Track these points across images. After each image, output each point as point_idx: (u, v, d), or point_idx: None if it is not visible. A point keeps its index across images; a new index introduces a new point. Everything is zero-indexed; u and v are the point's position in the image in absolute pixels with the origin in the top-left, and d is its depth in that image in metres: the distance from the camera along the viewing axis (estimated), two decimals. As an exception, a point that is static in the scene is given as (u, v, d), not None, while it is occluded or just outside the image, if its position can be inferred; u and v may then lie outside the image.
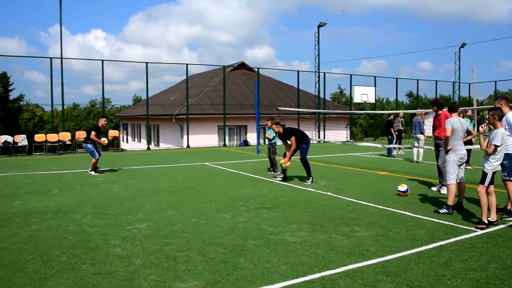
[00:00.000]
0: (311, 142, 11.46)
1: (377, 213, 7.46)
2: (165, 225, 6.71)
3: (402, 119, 18.36)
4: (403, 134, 19.02)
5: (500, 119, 6.63)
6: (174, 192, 9.71)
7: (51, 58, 21.32)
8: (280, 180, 11.27)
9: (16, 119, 46.95)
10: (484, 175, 6.60)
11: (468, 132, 8.17)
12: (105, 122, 13.46)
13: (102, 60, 22.41)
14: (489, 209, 6.59)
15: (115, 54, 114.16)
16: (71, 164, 16.23)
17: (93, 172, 12.92)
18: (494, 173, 6.61)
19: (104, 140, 13.38)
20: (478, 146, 7.49)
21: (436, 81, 36.96)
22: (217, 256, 5.21)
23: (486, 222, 6.44)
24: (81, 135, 22.39)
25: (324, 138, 30.05)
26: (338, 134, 30.74)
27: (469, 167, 13.51)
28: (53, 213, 7.61)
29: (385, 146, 15.73)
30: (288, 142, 11.04)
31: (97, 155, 13.01)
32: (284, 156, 11.27)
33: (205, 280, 4.45)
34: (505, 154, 6.99)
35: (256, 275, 4.58)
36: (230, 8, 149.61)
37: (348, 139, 33.07)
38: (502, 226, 6.58)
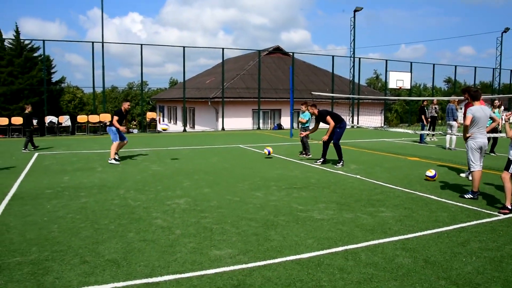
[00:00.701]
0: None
1: (403, 196, 7.76)
2: (201, 201, 7.23)
3: (436, 106, 18.29)
4: (438, 121, 18.96)
5: None
6: (210, 171, 10.25)
7: (92, 43, 22.21)
8: (320, 164, 11.56)
9: (58, 100, 48.71)
10: (509, 162, 6.79)
11: (492, 119, 8.25)
12: (129, 107, 12.40)
13: (141, 45, 23.15)
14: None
15: (151, 37, 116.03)
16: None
17: (113, 161, 11.62)
18: None
19: (123, 128, 11.99)
20: (504, 134, 7.64)
21: (475, 67, 36.24)
22: (249, 229, 5.69)
23: (510, 207, 6.65)
24: (121, 116, 23.29)
25: (358, 123, 30.06)
26: (372, 120, 30.65)
27: (493, 155, 13.56)
28: (99, 188, 8.27)
29: (416, 132, 15.79)
30: (322, 124, 11.46)
31: (117, 139, 11.76)
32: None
33: (238, 249, 4.94)
34: None
35: (284, 246, 5.03)
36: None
37: (382, 125, 32.92)
38: (525, 211, 6.78)
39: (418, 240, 5.33)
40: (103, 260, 4.58)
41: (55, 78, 51.01)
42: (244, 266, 4.43)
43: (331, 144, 11.45)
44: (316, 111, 11.63)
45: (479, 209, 6.90)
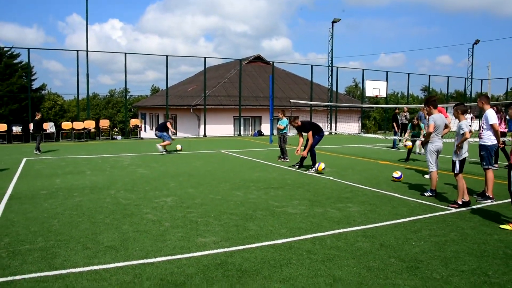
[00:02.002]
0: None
1: (370, 194, 8.60)
2: (187, 199, 7.95)
3: (406, 114, 19.31)
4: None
5: (463, 113, 7.68)
6: (193, 174, 10.95)
7: (77, 51, 22.72)
8: (297, 168, 12.16)
9: (38, 108, 48.72)
10: (454, 163, 7.67)
11: (446, 126, 9.03)
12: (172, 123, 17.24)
13: (125, 53, 23.74)
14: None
15: (132, 44, 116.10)
16: (97, 149, 17.61)
17: (164, 152, 16.05)
18: (463, 161, 7.63)
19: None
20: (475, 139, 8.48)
21: (448, 76, 37.64)
22: (230, 221, 6.43)
23: (460, 203, 7.53)
24: (105, 123, 23.81)
25: (336, 130, 31.08)
26: (350, 127, 31.70)
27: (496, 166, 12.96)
28: (90, 189, 8.91)
29: (387, 137, 16.75)
30: (304, 134, 12.07)
31: (170, 139, 16.24)
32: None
33: (221, 236, 5.67)
34: (482, 145, 8.10)
35: (261, 234, 5.79)
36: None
37: (359, 132, 34.02)
38: (475, 206, 7.66)
39: (378, 229, 6.15)
40: (102, 246, 5.27)
41: (35, 85, 51.11)
42: (226, 249, 5.17)
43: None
44: (299, 123, 12.02)
45: (435, 204, 7.76)
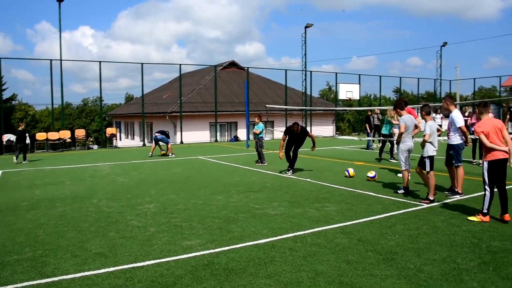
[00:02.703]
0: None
1: (346, 194, 8.94)
2: (169, 205, 8.12)
3: (378, 115, 19.84)
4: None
5: (427, 114, 8.10)
6: (174, 180, 11.12)
7: (51, 60, 22.54)
8: (290, 174, 12.05)
9: (9, 118, 47.85)
10: (422, 159, 8.08)
11: (416, 126, 9.44)
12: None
13: (100, 62, 23.65)
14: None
15: (103, 51, 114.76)
16: (75, 160, 17.54)
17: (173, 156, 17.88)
18: (431, 158, 8.03)
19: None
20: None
21: (419, 78, 38.65)
22: (213, 224, 6.65)
23: (431, 198, 7.94)
24: (80, 133, 23.67)
25: (311, 133, 31.49)
26: (325, 129, 32.22)
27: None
28: (72, 199, 8.98)
29: (361, 139, 17.21)
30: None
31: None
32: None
33: (206, 239, 5.89)
34: (449, 145, 8.54)
35: (244, 235, 6.03)
36: (219, 4, 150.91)
37: (334, 134, 34.60)
38: (445, 201, 8.07)
39: (355, 226, 6.46)
40: (91, 253, 5.42)
41: (5, 95, 50.17)
42: (212, 251, 5.40)
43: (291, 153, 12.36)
44: (299, 128, 12.25)
45: (408, 201, 8.15)
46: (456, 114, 8.56)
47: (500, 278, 4.42)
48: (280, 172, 12.31)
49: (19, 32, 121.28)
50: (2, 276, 4.72)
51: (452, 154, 8.57)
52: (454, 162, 8.60)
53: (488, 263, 4.83)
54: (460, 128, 8.39)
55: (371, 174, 10.63)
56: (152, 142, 18.94)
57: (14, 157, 16.79)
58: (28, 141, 17.67)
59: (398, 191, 8.91)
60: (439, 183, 9.51)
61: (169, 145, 18.18)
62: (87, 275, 4.69)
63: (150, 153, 18.08)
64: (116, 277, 4.61)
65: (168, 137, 18.28)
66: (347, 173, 11.14)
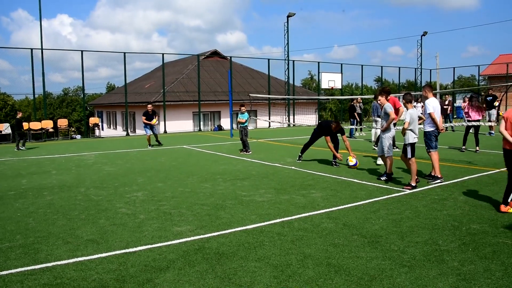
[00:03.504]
0: (283, 125, 12.90)
1: (331, 181, 9.15)
2: (157, 193, 8.21)
3: (360, 104, 20.13)
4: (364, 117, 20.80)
5: (408, 102, 8.33)
6: (160, 169, 11.19)
7: (31, 49, 22.18)
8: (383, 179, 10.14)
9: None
10: (405, 147, 8.32)
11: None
12: (151, 107, 17.48)
13: (82, 51, 23.37)
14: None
15: (82, 40, 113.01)
16: (58, 149, 17.41)
17: (149, 147, 17.12)
18: (413, 145, 8.27)
19: (154, 121, 17.43)
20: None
21: (399, 67, 39.07)
22: (202, 211, 6.78)
23: (413, 184, 8.18)
24: (63, 122, 23.45)
25: (294, 122, 31.78)
26: (307, 118, 32.46)
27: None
28: (59, 188, 9.00)
29: (345, 127, 17.44)
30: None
31: (148, 132, 17.38)
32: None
33: (195, 225, 6.02)
34: (423, 132, 8.84)
35: (233, 221, 6.17)
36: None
37: (316, 123, 34.85)
38: (426, 187, 8.33)
39: (340, 211, 6.66)
40: (83, 240, 5.50)
41: (-17, 85, 49.12)
42: (202, 236, 5.53)
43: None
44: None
45: (390, 187, 8.39)
46: (429, 101, 8.87)
47: (479, 258, 4.65)
48: (298, 159, 12.33)
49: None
50: (-5, 263, 4.78)
51: (425, 140, 8.94)
52: (426, 148, 8.95)
53: (467, 244, 5.07)
54: (429, 114, 8.72)
55: (352, 162, 10.83)
56: (131, 131, 18.53)
57: (17, 145, 17.61)
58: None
59: (381, 178, 9.14)
60: (421, 169, 9.79)
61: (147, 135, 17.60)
62: (81, 260, 4.78)
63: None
64: (109, 262, 4.72)
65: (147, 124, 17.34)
66: (350, 164, 10.87)
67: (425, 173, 9.54)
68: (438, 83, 45.75)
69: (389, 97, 10.99)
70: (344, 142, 11.26)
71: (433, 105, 8.80)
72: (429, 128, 8.86)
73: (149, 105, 17.68)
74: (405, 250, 4.88)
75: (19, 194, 8.47)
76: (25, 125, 20.90)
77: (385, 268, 4.41)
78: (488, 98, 18.74)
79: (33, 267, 4.63)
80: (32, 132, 22.24)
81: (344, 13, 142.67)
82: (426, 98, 8.98)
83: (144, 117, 17.45)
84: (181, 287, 4.05)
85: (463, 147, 14.06)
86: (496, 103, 18.46)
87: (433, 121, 8.76)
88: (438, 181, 8.71)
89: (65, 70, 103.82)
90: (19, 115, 18.24)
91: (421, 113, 8.93)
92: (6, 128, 22.13)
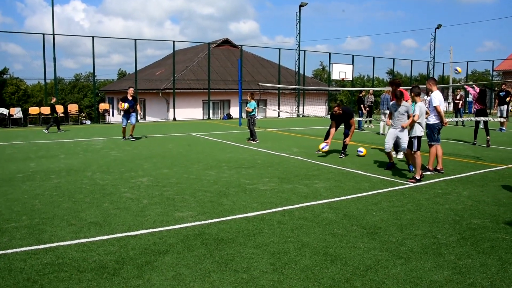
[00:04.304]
0: (292, 116, 12.95)
1: (336, 172, 9.17)
2: (162, 179, 8.30)
3: (372, 96, 20.05)
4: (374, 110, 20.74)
5: (417, 95, 8.31)
6: (167, 156, 11.28)
7: (43, 34, 22.36)
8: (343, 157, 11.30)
9: (1, 92, 47.41)
10: (411, 140, 8.32)
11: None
12: (132, 91, 15.79)
13: (93, 37, 23.48)
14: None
15: (95, 27, 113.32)
16: (68, 134, 17.61)
17: (123, 139, 15.25)
18: (419, 138, 8.27)
19: (122, 105, 15.12)
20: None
21: (412, 60, 38.76)
22: (205, 198, 6.85)
23: (418, 178, 8.17)
24: (73, 108, 23.66)
25: (303, 112, 31.72)
26: (317, 109, 32.41)
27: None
28: (66, 172, 9.13)
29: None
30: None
31: (124, 123, 15.26)
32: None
33: (197, 211, 6.09)
34: (426, 124, 8.83)
35: (234, 208, 6.24)
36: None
37: (326, 114, 34.78)
38: (431, 181, 8.32)
39: (342, 201, 6.69)
40: (86, 222, 5.60)
41: (-3, 69, 49.66)
42: (203, 222, 5.60)
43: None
44: (341, 111, 11.44)
45: (395, 180, 8.39)
46: (434, 94, 8.85)
47: (476, 252, 4.66)
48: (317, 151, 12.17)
49: (8, 5, 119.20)
50: (1, 242, 4.89)
51: (427, 133, 8.92)
52: (428, 140, 8.95)
53: (466, 239, 5.08)
54: (435, 107, 8.71)
55: (361, 150, 11.01)
56: (141, 118, 17.74)
57: (45, 129, 18.05)
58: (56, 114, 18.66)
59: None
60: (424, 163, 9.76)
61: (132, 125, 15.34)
62: (83, 242, 4.88)
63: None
64: (110, 244, 4.81)
65: (126, 113, 15.18)
66: (359, 153, 11.36)
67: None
68: (451, 77, 45.31)
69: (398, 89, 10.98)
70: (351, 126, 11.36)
71: (438, 98, 8.77)
72: (432, 121, 8.84)
73: (130, 88, 15.50)
74: (403, 242, 4.91)
75: (27, 176, 8.61)
76: (59, 108, 21.07)
77: (382, 259, 4.44)
78: (501, 94, 18.55)
79: (36, 246, 4.74)
80: (43, 116, 22.48)
81: (344, 13, 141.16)
82: (430, 90, 8.96)
83: (122, 103, 14.91)
84: (179, 271, 4.12)
85: (475, 141, 14.08)
86: (508, 99, 18.26)
87: (439, 114, 8.74)
88: (428, 173, 8.77)
89: (77, 56, 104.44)
90: (53, 100, 18.81)
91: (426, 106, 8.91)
92: (17, 112, 22.38)
